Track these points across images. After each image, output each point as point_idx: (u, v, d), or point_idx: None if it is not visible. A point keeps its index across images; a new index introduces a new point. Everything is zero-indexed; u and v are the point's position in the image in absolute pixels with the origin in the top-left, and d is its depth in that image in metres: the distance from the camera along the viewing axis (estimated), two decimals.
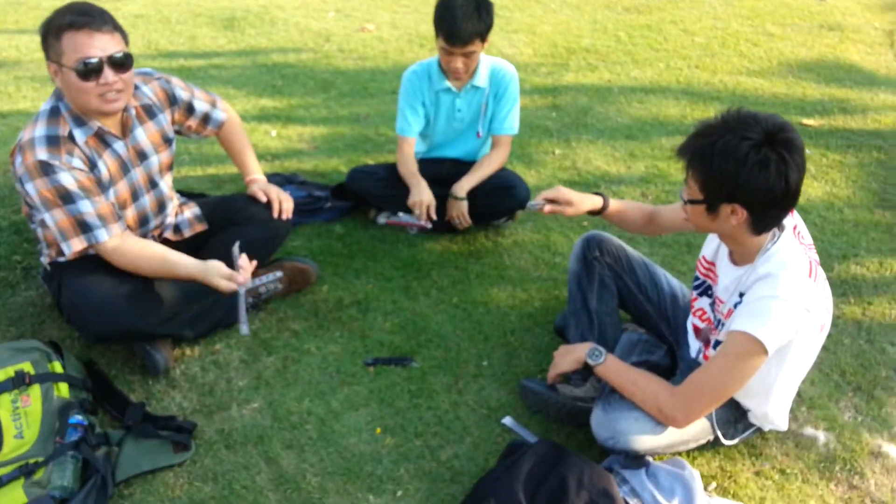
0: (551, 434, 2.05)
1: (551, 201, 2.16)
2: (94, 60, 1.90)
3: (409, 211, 2.70)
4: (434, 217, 2.65)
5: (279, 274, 2.37)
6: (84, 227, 1.99)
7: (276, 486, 1.88)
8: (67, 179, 1.96)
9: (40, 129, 1.98)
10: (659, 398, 1.76)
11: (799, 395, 2.15)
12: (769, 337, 1.60)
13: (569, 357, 1.97)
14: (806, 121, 3.95)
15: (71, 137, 2.00)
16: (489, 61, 2.72)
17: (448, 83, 2.69)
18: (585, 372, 1.98)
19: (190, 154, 3.39)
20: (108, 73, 1.93)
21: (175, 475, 1.90)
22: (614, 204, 2.19)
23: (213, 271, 2.06)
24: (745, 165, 1.54)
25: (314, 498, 1.86)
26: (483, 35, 2.50)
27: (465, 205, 2.70)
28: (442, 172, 2.80)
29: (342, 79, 4.43)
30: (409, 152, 2.76)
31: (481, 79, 2.69)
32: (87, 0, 1.97)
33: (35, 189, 1.95)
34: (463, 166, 2.79)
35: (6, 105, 3.96)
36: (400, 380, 2.22)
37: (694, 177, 1.63)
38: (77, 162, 2.00)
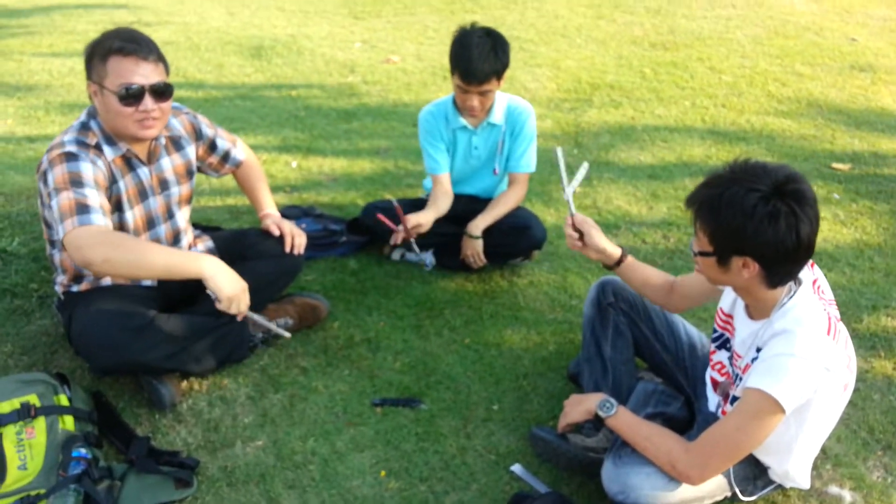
0: (561, 484, 1.99)
1: (577, 230, 2.04)
2: (136, 87, 1.96)
3: (421, 249, 2.68)
4: (412, 237, 2.61)
5: (289, 321, 2.42)
6: (81, 209, 1.91)
7: None
8: (87, 169, 1.97)
9: (70, 135, 2.04)
10: (672, 454, 1.70)
11: (824, 451, 2.06)
12: (786, 396, 1.54)
13: (579, 408, 1.92)
14: (835, 165, 3.87)
15: (98, 147, 2.05)
16: (505, 99, 2.71)
17: (464, 121, 2.68)
18: (597, 422, 1.92)
19: (210, 184, 3.42)
20: (149, 101, 1.99)
21: None
22: (632, 265, 2.05)
23: (223, 277, 1.99)
24: (753, 218, 1.49)
25: None
26: (499, 74, 2.50)
27: (480, 244, 2.67)
28: (458, 209, 2.78)
29: (364, 110, 4.46)
30: (445, 188, 2.73)
31: (497, 116, 2.68)
32: (134, 28, 2.04)
33: (53, 176, 1.95)
34: (479, 203, 2.77)
35: (35, 129, 4.04)
36: (407, 422, 2.17)
37: (702, 228, 1.60)
38: (100, 164, 2.03)
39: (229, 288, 2.00)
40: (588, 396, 1.93)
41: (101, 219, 1.93)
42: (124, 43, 1.95)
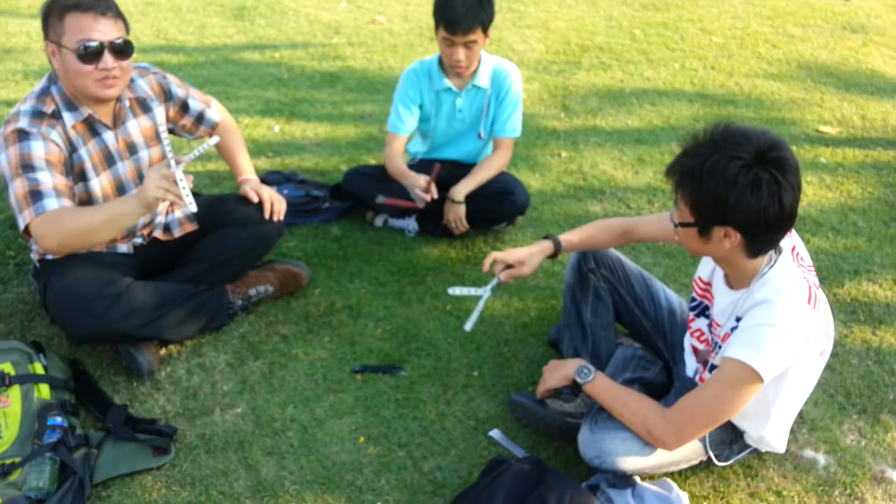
0: (539, 448, 2.00)
1: (507, 266, 2.08)
2: (95, 44, 1.91)
3: (403, 215, 2.64)
4: (435, 196, 2.55)
5: (269, 288, 2.41)
6: (35, 196, 1.90)
7: (254, 494, 1.85)
8: (38, 149, 1.94)
9: (27, 105, 2.00)
10: (648, 420, 1.71)
11: (800, 416, 2.08)
12: (765, 366, 1.54)
13: (557, 373, 1.92)
14: (823, 128, 3.84)
15: (54, 115, 2.00)
16: (491, 61, 2.66)
17: (448, 82, 2.63)
18: (576, 387, 1.92)
19: (190, 148, 3.36)
20: (108, 59, 1.94)
21: (153, 479, 1.88)
22: (569, 241, 2.10)
23: (144, 190, 1.87)
24: (735, 187, 1.47)
25: None
26: (485, 25, 2.45)
27: (462, 209, 2.65)
28: (441, 174, 2.74)
29: (349, 73, 4.38)
30: (399, 150, 2.71)
31: (483, 79, 2.63)
32: None
33: (6, 158, 1.94)
34: (463, 168, 2.73)
35: (12, 93, 3.95)
36: (387, 388, 2.17)
37: (683, 199, 1.57)
38: (55, 136, 1.98)
39: (155, 193, 1.87)
40: (566, 362, 1.93)
41: (54, 202, 1.91)
42: None
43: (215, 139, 1.97)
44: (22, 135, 1.93)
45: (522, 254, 2.08)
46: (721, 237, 1.56)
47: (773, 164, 1.47)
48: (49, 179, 1.93)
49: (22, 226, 1.93)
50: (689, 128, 3.82)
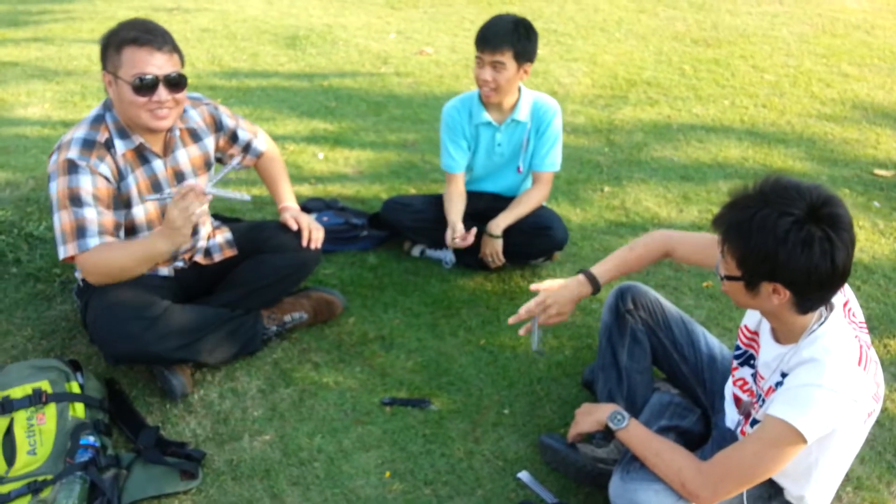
0: (569, 494, 1.95)
1: (544, 309, 2.04)
2: (150, 77, 1.97)
3: (441, 246, 2.63)
4: (468, 241, 2.57)
5: (304, 316, 2.43)
6: (80, 233, 1.98)
7: None
8: (86, 183, 2.00)
9: (80, 132, 2.06)
10: (683, 473, 1.64)
11: (846, 473, 1.97)
12: (809, 427, 1.47)
13: (590, 418, 1.87)
14: (878, 171, 3.71)
15: (107, 145, 2.06)
16: (532, 95, 2.65)
17: (488, 116, 2.63)
18: (608, 432, 1.87)
19: (237, 175, 3.42)
20: (162, 92, 2.00)
21: (179, 502, 1.88)
22: (607, 275, 2.06)
23: (169, 223, 1.94)
24: (786, 244, 1.41)
25: None
26: (517, 52, 2.45)
27: (499, 243, 2.63)
28: (480, 207, 2.74)
29: (395, 102, 4.43)
30: (459, 190, 2.72)
31: (522, 113, 2.62)
32: (150, 19, 2.05)
33: (55, 188, 2.00)
34: (502, 201, 2.72)
35: (71, 114, 4.10)
36: (416, 422, 2.15)
37: (730, 252, 1.51)
38: (104, 169, 2.04)
39: (181, 222, 1.93)
40: (600, 406, 1.88)
41: (96, 240, 2.00)
42: (139, 33, 1.96)
43: (246, 197, 2.04)
44: (72, 167, 1.99)
45: (564, 307, 2.04)
46: (769, 293, 1.50)
47: (826, 221, 1.41)
48: (94, 217, 2.00)
49: (62, 256, 2.01)
50: (738, 166, 3.74)
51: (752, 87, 4.79)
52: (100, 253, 2.00)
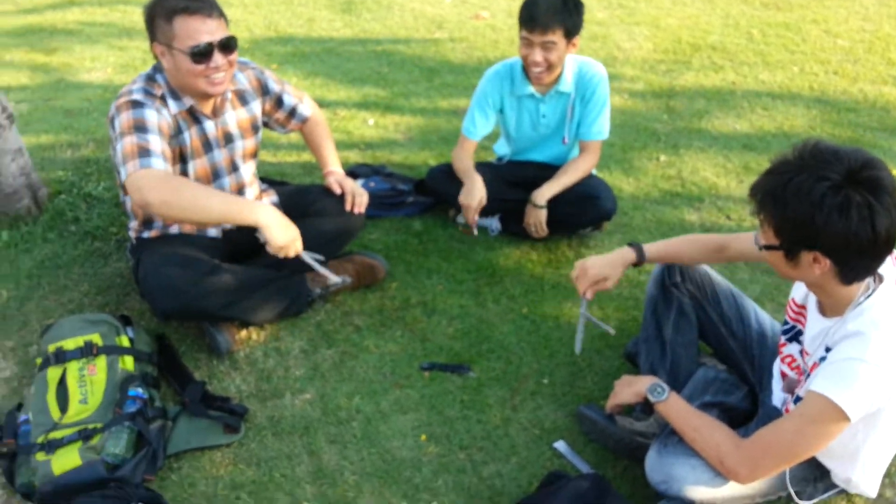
0: (606, 466, 1.92)
1: (587, 276, 2.00)
2: (206, 45, 1.99)
3: (486, 214, 2.60)
4: (475, 234, 2.58)
5: (347, 279, 2.42)
6: (143, 153, 1.96)
7: (314, 479, 1.88)
8: (151, 116, 2.02)
9: (139, 85, 2.09)
10: (721, 448, 1.60)
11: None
12: (852, 404, 1.40)
13: (629, 389, 1.83)
14: None
15: (163, 98, 2.09)
16: (576, 62, 2.56)
17: (532, 89, 2.55)
18: (648, 405, 1.83)
19: (289, 139, 3.46)
20: (218, 57, 2.02)
21: (222, 455, 1.95)
22: (654, 252, 1.99)
23: (278, 220, 2.03)
24: (822, 209, 1.34)
25: (349, 496, 1.84)
26: (567, 28, 2.35)
27: (543, 213, 2.58)
28: (527, 176, 2.69)
29: (447, 68, 4.38)
30: (469, 152, 2.68)
31: (566, 84, 2.54)
32: None
33: (119, 121, 2.01)
34: (549, 170, 2.66)
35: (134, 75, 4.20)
36: (454, 388, 2.15)
37: (766, 220, 1.45)
38: (165, 113, 2.07)
39: (281, 238, 2.03)
40: (640, 378, 1.84)
41: (162, 163, 1.98)
42: (188, 2, 1.97)
43: (337, 279, 2.24)
44: (136, 104, 2.03)
45: (604, 269, 1.99)
46: (810, 262, 1.43)
47: (865, 184, 1.33)
48: (159, 143, 2.01)
49: (124, 176, 1.96)
50: (804, 135, 3.56)
51: (823, 52, 4.54)
52: (178, 180, 2.01)
